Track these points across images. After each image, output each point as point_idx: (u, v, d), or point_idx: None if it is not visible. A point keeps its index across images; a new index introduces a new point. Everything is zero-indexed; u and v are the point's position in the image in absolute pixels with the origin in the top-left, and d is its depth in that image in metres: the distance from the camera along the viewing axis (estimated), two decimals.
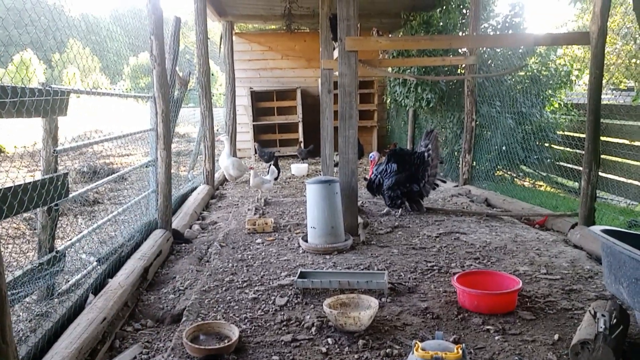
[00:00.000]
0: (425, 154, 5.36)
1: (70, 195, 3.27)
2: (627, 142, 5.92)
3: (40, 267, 2.89)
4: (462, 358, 1.78)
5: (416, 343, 1.84)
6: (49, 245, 3.13)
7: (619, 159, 6.00)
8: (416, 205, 5.48)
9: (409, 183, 5.31)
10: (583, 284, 3.37)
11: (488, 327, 2.74)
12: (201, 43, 7.07)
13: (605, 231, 2.54)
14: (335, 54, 5.77)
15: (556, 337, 2.61)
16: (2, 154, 9.62)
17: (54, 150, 3.10)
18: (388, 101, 10.50)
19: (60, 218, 3.90)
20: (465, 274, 3.22)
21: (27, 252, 4.35)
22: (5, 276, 1.80)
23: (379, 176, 5.49)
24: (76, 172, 7.54)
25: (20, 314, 2.93)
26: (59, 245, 3.36)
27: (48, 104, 2.84)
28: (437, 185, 5.63)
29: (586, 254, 4.01)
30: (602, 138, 4.94)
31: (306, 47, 11.11)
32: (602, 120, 4.66)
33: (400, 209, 5.42)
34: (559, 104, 7.13)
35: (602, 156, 4.90)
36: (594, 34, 4.21)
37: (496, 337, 2.63)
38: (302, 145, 10.39)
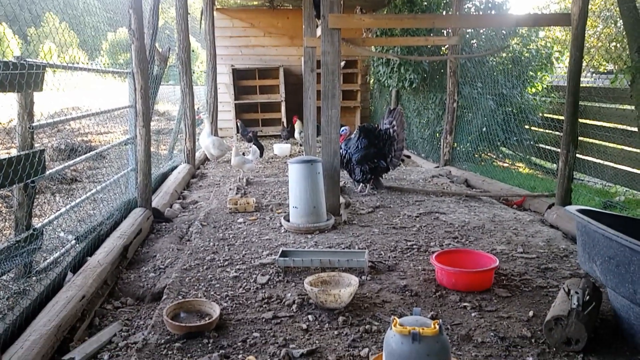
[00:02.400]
0: (390, 130, 5.47)
1: (48, 172, 3.21)
2: (604, 124, 6.01)
3: (17, 245, 2.84)
4: (439, 333, 1.81)
5: (394, 319, 1.87)
6: (26, 223, 3.08)
7: (597, 141, 6.10)
8: (377, 183, 5.60)
9: (376, 159, 5.42)
10: (558, 262, 3.45)
11: (465, 304, 2.79)
12: (181, 18, 6.92)
13: (581, 211, 2.60)
14: (319, 31, 5.71)
15: (531, 313, 2.67)
16: None
17: (30, 126, 3.03)
18: (371, 81, 10.48)
19: (37, 196, 3.83)
20: (443, 252, 3.27)
21: (3, 229, 4.27)
22: None
23: (347, 151, 5.52)
24: (53, 150, 7.39)
25: None
26: (37, 223, 3.31)
27: (23, 78, 2.76)
28: (403, 161, 5.74)
29: (562, 234, 4.10)
30: (581, 120, 5.01)
31: (289, 24, 10.95)
32: (580, 102, 4.73)
33: (368, 185, 5.50)
34: (540, 85, 7.20)
35: (580, 138, 4.98)
36: (575, 15, 4.23)
37: (473, 314, 2.68)
38: (284, 125, 10.33)
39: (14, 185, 2.84)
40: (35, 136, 3.14)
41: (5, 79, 2.62)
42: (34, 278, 3.06)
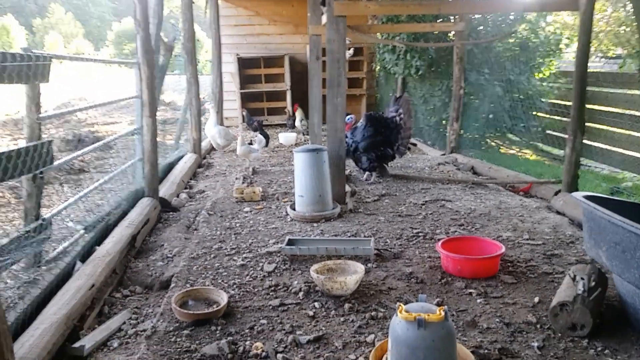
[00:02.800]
0: (397, 117, 5.47)
1: (56, 163, 3.23)
2: (612, 109, 5.95)
3: (26, 235, 2.88)
4: (444, 319, 1.82)
5: (400, 305, 1.89)
6: (35, 213, 3.11)
7: (604, 127, 6.04)
8: (382, 171, 5.60)
9: (383, 146, 5.42)
10: (564, 249, 3.45)
11: (470, 290, 2.81)
12: (186, 7, 6.90)
13: (587, 197, 2.59)
14: (324, 19, 5.67)
15: (536, 299, 2.68)
16: None
17: (38, 117, 3.05)
18: (377, 69, 10.40)
19: (45, 186, 3.87)
20: (449, 239, 3.28)
21: (13, 220, 4.32)
22: None
23: (354, 139, 5.50)
24: (61, 140, 7.44)
25: (8, 281, 2.94)
26: (46, 213, 3.34)
27: (30, 69, 2.77)
28: (409, 148, 5.75)
29: (568, 220, 4.09)
30: (588, 106, 4.97)
31: (294, 12, 10.87)
32: (588, 88, 4.68)
33: (374, 173, 5.50)
34: (548, 71, 7.13)
35: (588, 124, 4.93)
36: (583, 0, 4.17)
37: (478, 300, 2.70)
38: (290, 113, 10.30)
39: (23, 176, 2.87)
40: (42, 127, 3.17)
41: (13, 70, 2.63)
42: (43, 267, 3.10)
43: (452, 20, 7.15)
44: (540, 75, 7.14)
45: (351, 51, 10.29)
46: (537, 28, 7.14)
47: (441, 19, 7.35)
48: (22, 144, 3.06)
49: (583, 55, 4.26)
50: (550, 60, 7.24)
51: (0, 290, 2.77)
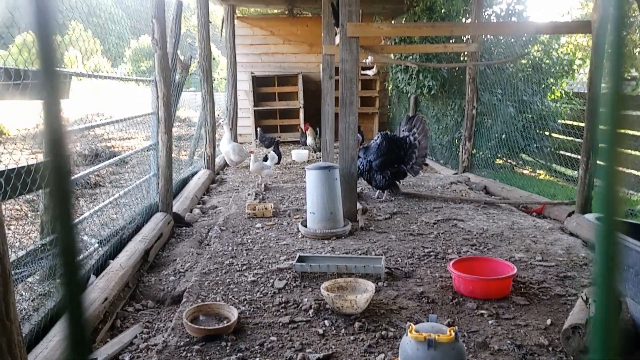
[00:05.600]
0: (411, 137, 5.51)
1: (73, 177, 3.30)
2: (627, 131, 5.92)
3: (42, 248, 2.93)
4: (454, 340, 1.82)
5: (410, 325, 1.89)
6: (51, 227, 3.17)
7: (619, 149, 6.01)
8: (394, 188, 5.61)
9: (396, 164, 5.45)
10: (577, 271, 3.41)
11: (482, 311, 2.79)
12: (203, 27, 7.05)
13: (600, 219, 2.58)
14: (337, 39, 5.76)
15: (549, 322, 2.66)
16: (4, 136, 9.63)
17: None
18: (390, 88, 10.48)
19: None
20: (461, 259, 3.27)
21: (30, 233, 4.40)
22: (9, 256, 1.84)
23: (367, 159, 5.51)
24: (78, 155, 7.57)
25: (23, 293, 2.99)
26: None
27: None
28: (422, 167, 5.79)
29: (582, 242, 4.05)
30: (602, 127, 4.96)
31: (308, 32, 11.04)
32: (602, 109, 4.67)
33: (386, 191, 5.51)
34: (560, 92, 7.13)
35: (601, 145, 4.92)
36: (595, 22, 4.20)
37: (490, 322, 2.68)
38: (303, 130, 10.38)
39: (41, 190, 2.93)
40: None
41: (34, 87, 2.71)
42: (58, 280, 3.15)
43: (465, 41, 7.21)
44: (553, 96, 7.14)
45: (375, 69, 10.38)
46: (550, 49, 7.16)
47: (454, 40, 7.41)
48: (41, 158, 3.14)
49: (596, 77, 4.27)
50: (562, 81, 7.24)
51: (16, 302, 2.81)
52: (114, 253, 3.58)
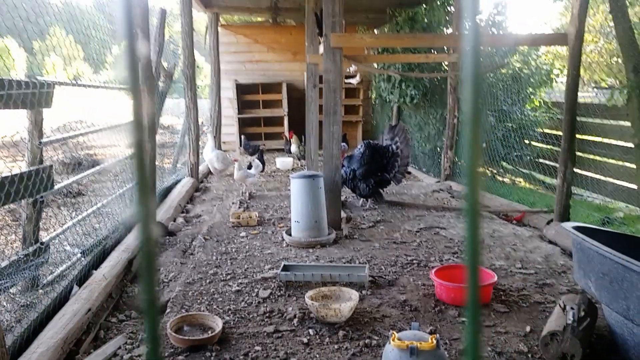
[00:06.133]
0: (393, 146, 5.59)
1: (56, 187, 3.29)
2: (604, 140, 6.07)
3: (25, 258, 2.91)
4: (436, 348, 1.86)
5: (393, 333, 1.93)
6: (34, 237, 3.15)
7: (596, 157, 6.15)
8: (378, 197, 5.69)
9: (379, 172, 5.53)
10: (556, 278, 3.49)
11: (464, 319, 2.84)
12: (186, 35, 7.05)
13: (577, 228, 2.65)
14: (321, 48, 5.81)
15: (528, 329, 2.72)
16: None
17: (40, 142, 3.12)
18: (373, 96, 10.59)
19: (44, 209, 3.91)
20: (443, 267, 3.32)
21: (12, 243, 4.35)
22: None
23: (350, 167, 5.58)
24: (59, 163, 7.48)
25: (5, 304, 2.96)
26: (44, 236, 3.38)
27: (34, 96, 2.85)
28: (404, 176, 5.86)
29: (560, 250, 4.15)
30: (580, 136, 5.08)
31: (292, 40, 11.10)
32: (580, 118, 4.79)
33: (369, 199, 5.58)
34: (539, 102, 7.28)
35: (579, 154, 5.04)
36: (571, 35, 4.32)
37: None
38: (287, 138, 10.41)
39: (24, 200, 2.91)
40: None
41: (18, 97, 2.71)
42: (40, 291, 3.12)
43: (447, 52, 7.33)
44: (532, 105, 7.30)
45: (359, 77, 10.47)
46: (529, 59, 7.32)
47: (436, 51, 7.53)
48: (24, 166, 3.12)
49: (573, 87, 4.38)
50: (541, 90, 7.40)
51: None
52: (97, 263, 3.56)
